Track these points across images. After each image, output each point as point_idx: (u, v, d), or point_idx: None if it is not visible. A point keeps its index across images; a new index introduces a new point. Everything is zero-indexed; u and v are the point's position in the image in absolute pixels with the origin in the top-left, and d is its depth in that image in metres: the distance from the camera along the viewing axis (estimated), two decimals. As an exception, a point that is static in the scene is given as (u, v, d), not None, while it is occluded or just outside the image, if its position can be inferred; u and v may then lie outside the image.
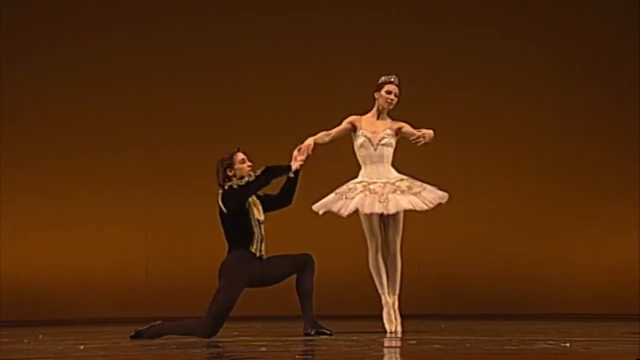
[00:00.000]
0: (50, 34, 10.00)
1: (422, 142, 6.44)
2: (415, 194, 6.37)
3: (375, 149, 6.47)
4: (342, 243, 9.74)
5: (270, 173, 5.96)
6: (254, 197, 6.02)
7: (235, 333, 6.32)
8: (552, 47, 10.06)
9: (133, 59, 9.99)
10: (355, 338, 5.66)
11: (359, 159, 6.55)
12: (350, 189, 6.43)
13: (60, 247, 9.87)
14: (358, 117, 6.59)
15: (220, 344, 5.45)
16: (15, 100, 9.95)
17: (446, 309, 9.49)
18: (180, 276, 9.64)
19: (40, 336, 6.51)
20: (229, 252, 5.95)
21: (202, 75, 10.04)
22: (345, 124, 6.55)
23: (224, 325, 5.85)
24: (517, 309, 9.47)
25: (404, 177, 6.49)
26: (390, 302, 6.48)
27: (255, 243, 5.93)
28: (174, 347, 5.26)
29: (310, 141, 6.29)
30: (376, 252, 6.46)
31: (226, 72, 10.03)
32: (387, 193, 6.31)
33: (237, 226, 5.92)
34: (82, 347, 5.35)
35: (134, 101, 10.01)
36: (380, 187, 6.35)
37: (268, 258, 6.00)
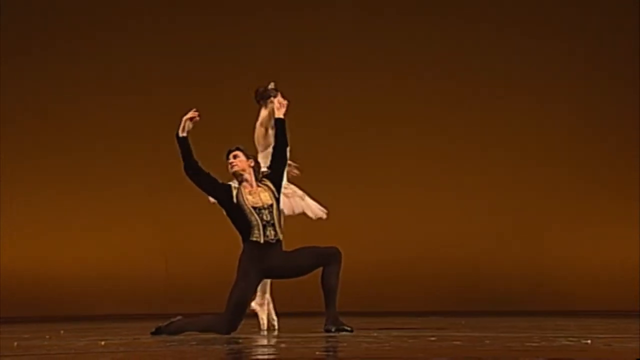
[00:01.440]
0: (56, 34, 10.04)
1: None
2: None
3: None
4: (365, 239, 9.77)
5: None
6: (258, 185, 6.02)
7: (255, 329, 6.32)
8: (553, 39, 10.02)
9: (145, 57, 10.02)
10: (375, 335, 5.66)
11: None
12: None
13: (81, 244, 9.93)
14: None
15: (240, 340, 5.46)
16: (23, 99, 10.03)
17: (466, 306, 9.47)
18: (199, 272, 9.67)
19: (62, 332, 6.55)
20: (242, 243, 6.02)
21: (209, 73, 10.06)
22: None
23: (243, 321, 5.86)
24: (536, 306, 9.45)
25: None
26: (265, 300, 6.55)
27: (255, 231, 5.90)
28: (194, 343, 5.27)
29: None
30: None
31: (234, 68, 10.03)
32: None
33: (234, 220, 5.97)
34: (103, 343, 5.37)
35: (147, 99, 10.05)
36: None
37: (294, 249, 5.98)
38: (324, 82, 10.06)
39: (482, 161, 10.02)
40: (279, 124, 6.18)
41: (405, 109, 10.08)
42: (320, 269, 5.97)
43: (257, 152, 6.57)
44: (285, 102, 6.27)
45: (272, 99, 6.52)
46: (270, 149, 6.39)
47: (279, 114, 6.22)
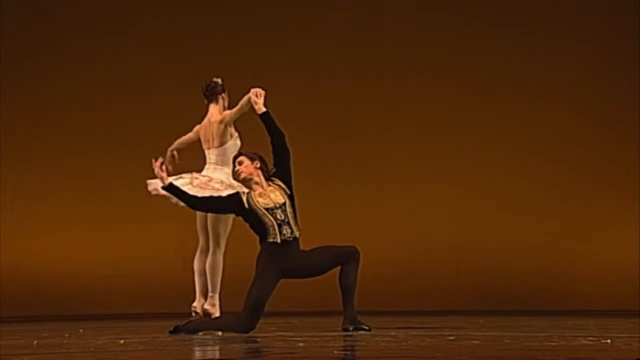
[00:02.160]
0: (60, 35, 10.08)
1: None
2: None
3: None
4: (383, 238, 9.75)
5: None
6: (269, 183, 6.01)
7: (274, 328, 6.33)
8: (558, 37, 9.98)
9: (149, 57, 10.03)
10: (393, 334, 5.65)
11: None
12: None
13: (99, 242, 9.96)
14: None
15: (259, 339, 5.46)
16: (42, 97, 10.06)
17: (484, 305, 9.44)
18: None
19: (81, 330, 6.57)
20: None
21: (213, 74, 10.05)
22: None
23: (261, 320, 5.87)
24: (555, 306, 9.40)
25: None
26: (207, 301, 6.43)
27: (271, 232, 5.89)
28: (212, 342, 5.29)
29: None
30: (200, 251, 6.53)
31: (232, 69, 10.01)
32: None
33: (250, 223, 5.96)
34: (122, 341, 5.39)
35: (152, 97, 10.07)
36: None
37: (313, 249, 5.97)
38: (329, 82, 10.04)
39: (500, 160, 9.98)
40: (265, 118, 6.02)
41: (417, 108, 10.06)
42: (338, 268, 5.96)
43: (212, 148, 6.41)
44: (263, 92, 6.10)
45: (255, 96, 6.09)
46: (227, 145, 6.40)
47: (260, 108, 6.04)
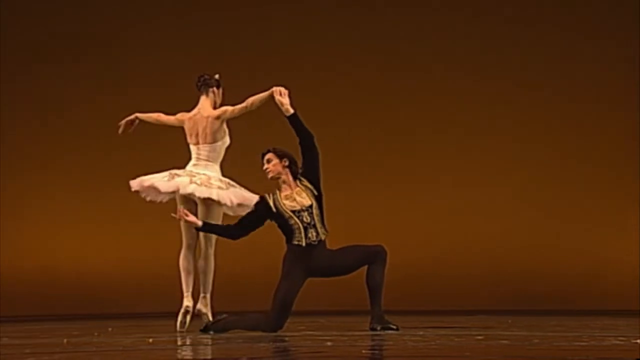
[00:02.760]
0: (72, 33, 10.14)
1: None
2: None
3: None
4: (410, 237, 9.73)
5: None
6: (297, 184, 5.98)
7: (301, 327, 6.33)
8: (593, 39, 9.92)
9: (160, 54, 10.07)
10: (421, 333, 5.63)
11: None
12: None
13: (128, 241, 10.01)
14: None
15: (286, 339, 5.47)
16: (55, 96, 10.13)
17: (512, 305, 9.40)
18: (243, 269, 9.70)
19: (110, 329, 6.61)
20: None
21: (225, 70, 10.08)
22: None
23: (289, 319, 5.87)
24: (584, 305, 9.35)
25: None
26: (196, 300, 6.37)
27: (296, 235, 5.88)
28: (241, 341, 5.30)
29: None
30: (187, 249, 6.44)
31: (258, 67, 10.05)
32: None
33: (278, 225, 5.96)
34: (150, 340, 5.42)
35: (166, 94, 10.10)
36: None
37: (339, 248, 5.96)
38: (356, 79, 10.03)
39: (527, 161, 9.94)
40: (294, 120, 5.92)
41: (445, 108, 10.04)
42: (365, 267, 5.95)
43: (200, 144, 6.28)
44: (286, 92, 5.98)
45: (279, 95, 5.96)
46: (220, 142, 6.29)
47: (288, 109, 5.94)
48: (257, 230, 5.99)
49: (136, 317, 8.89)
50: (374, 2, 10.17)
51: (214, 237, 6.30)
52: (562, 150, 9.97)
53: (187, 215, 5.98)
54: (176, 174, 6.30)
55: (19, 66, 10.12)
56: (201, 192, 6.17)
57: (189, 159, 6.43)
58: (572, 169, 9.88)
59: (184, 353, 4.76)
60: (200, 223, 6.00)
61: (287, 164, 5.96)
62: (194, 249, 6.39)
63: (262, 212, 5.93)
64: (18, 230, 10.08)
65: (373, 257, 5.89)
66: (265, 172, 5.98)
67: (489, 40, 9.98)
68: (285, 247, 5.98)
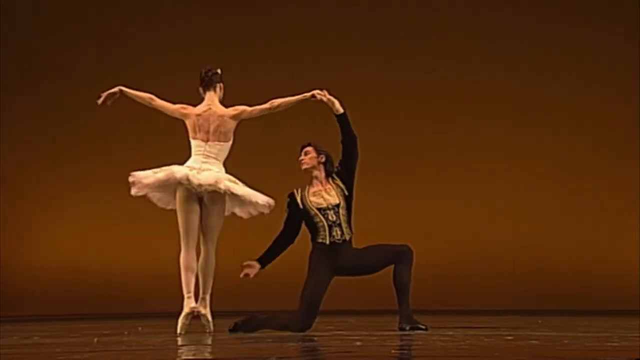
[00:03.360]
0: (99, 38, 10.20)
1: None
2: None
3: None
4: (440, 237, 9.71)
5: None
6: (328, 181, 5.97)
7: (330, 327, 6.33)
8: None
9: (184, 57, 10.10)
10: (450, 334, 5.61)
11: None
12: None
13: (156, 240, 10.05)
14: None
15: (315, 338, 5.47)
16: (74, 99, 10.19)
17: (542, 305, 9.35)
18: (273, 269, 9.70)
19: (140, 328, 6.64)
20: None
21: (243, 71, 10.11)
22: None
23: (317, 318, 5.87)
24: (615, 305, 9.27)
25: None
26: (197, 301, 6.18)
27: (321, 233, 5.89)
28: (270, 340, 5.30)
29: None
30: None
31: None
32: None
33: (305, 222, 5.97)
34: (180, 339, 5.44)
35: (182, 95, 10.14)
36: None
37: (365, 247, 5.96)
38: (390, 80, 10.02)
39: (556, 160, 9.88)
40: (343, 119, 5.96)
41: (473, 108, 10.01)
42: (392, 267, 5.93)
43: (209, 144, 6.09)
44: (325, 92, 6.00)
45: (316, 96, 5.96)
46: (230, 142, 6.14)
47: (338, 109, 5.97)
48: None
49: (165, 316, 8.93)
50: (377, 3, 10.16)
51: (216, 235, 6.18)
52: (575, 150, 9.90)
53: (250, 268, 6.01)
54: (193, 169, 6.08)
55: (45, 67, 10.20)
56: (242, 192, 6.07)
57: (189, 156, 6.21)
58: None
59: (212, 352, 4.77)
60: (259, 266, 5.98)
61: (323, 160, 6.00)
62: (194, 248, 6.23)
63: (294, 212, 5.94)
64: (48, 230, 10.16)
65: (399, 256, 5.88)
66: (299, 163, 6.00)
67: (536, 41, 9.91)
68: (310, 246, 5.99)
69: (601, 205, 9.79)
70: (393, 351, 4.64)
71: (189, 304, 6.11)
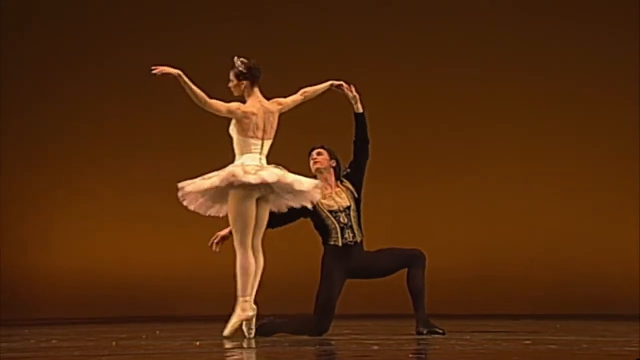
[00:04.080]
0: (114, 38, 10.22)
1: None
2: None
3: None
4: (457, 240, 9.68)
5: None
6: (337, 184, 5.96)
7: (347, 331, 6.33)
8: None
9: (203, 59, 10.12)
10: (468, 337, 5.60)
11: None
12: None
13: (175, 244, 10.07)
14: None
15: (332, 342, 5.47)
16: (91, 101, 10.23)
17: (560, 309, 9.31)
18: (290, 272, 9.71)
19: (157, 332, 6.66)
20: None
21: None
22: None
23: (333, 322, 5.86)
24: (633, 310, 9.22)
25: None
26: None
27: (333, 235, 5.88)
28: (287, 344, 5.31)
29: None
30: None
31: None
32: None
33: (314, 223, 5.96)
34: (198, 343, 5.45)
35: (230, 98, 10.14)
36: None
37: (377, 250, 5.95)
38: (406, 80, 10.00)
39: (575, 160, 9.83)
40: (362, 119, 5.96)
41: (490, 108, 9.98)
42: (404, 271, 5.92)
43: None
44: (352, 87, 5.95)
45: (345, 90, 5.88)
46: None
47: (359, 107, 5.95)
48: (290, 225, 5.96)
49: (183, 320, 8.95)
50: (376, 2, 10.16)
51: (241, 228, 5.85)
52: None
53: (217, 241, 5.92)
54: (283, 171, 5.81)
55: (62, 66, 10.25)
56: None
57: (233, 157, 5.94)
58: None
59: (232, 356, 4.78)
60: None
61: (334, 164, 6.03)
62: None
63: (295, 210, 5.90)
64: (64, 232, 10.20)
65: (411, 260, 5.87)
66: (313, 162, 5.97)
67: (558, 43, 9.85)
68: (322, 249, 5.98)
69: (619, 210, 9.74)
70: (410, 355, 4.63)
71: (250, 308, 5.80)
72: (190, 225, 10.12)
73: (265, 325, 5.98)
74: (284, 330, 5.98)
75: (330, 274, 5.87)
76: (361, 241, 5.96)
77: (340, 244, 5.90)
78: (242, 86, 5.87)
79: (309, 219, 6.03)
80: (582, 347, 4.84)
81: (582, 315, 8.86)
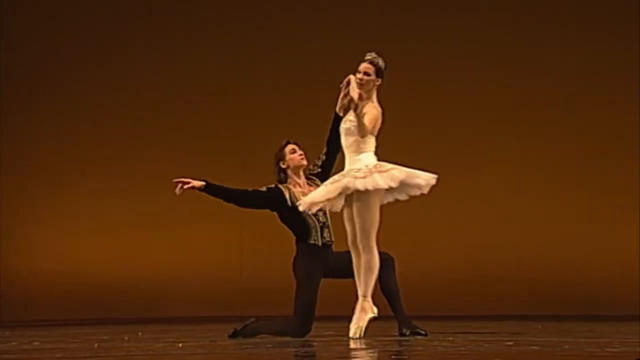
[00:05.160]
0: (101, 42, 10.19)
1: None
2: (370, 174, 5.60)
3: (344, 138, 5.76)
4: (438, 243, 9.69)
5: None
6: (309, 183, 5.94)
7: (330, 332, 6.33)
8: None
9: (210, 60, 10.10)
10: (450, 339, 5.61)
11: None
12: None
13: (156, 246, 10.05)
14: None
15: (315, 343, 5.47)
16: (98, 103, 10.20)
17: (542, 310, 9.34)
18: (273, 273, 9.71)
19: (140, 334, 6.64)
20: (295, 244, 5.93)
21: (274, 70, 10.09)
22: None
23: (314, 323, 5.85)
24: (615, 310, 9.26)
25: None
26: (358, 303, 5.70)
27: (313, 234, 5.84)
28: (270, 345, 5.30)
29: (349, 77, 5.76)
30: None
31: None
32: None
33: (290, 221, 5.88)
34: (180, 345, 5.43)
35: (224, 100, 10.12)
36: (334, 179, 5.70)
37: (345, 252, 5.85)
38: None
39: (561, 164, 9.83)
40: (339, 122, 5.78)
41: (475, 109, 9.98)
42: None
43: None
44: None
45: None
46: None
47: (340, 109, 5.75)
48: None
49: (167, 321, 8.93)
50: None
51: (372, 228, 5.66)
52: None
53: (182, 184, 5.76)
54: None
55: (70, 69, 10.21)
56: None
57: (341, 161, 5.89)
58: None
59: (212, 358, 4.77)
60: (202, 184, 5.80)
61: (308, 165, 6.00)
62: (356, 246, 5.70)
63: (271, 198, 5.81)
64: (48, 235, 10.16)
65: (382, 263, 5.81)
66: (300, 157, 5.90)
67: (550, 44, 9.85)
68: (295, 248, 5.90)
69: (604, 211, 9.75)
70: (393, 357, 4.64)
71: (372, 308, 5.69)
72: (172, 228, 10.14)
73: (249, 327, 5.98)
74: (267, 332, 5.97)
75: (311, 275, 5.83)
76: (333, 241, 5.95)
77: (320, 243, 5.87)
78: (377, 83, 5.75)
79: (283, 216, 5.89)
80: (564, 348, 4.86)
81: (564, 316, 8.89)
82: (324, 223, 5.88)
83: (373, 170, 5.62)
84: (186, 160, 9.99)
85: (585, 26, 9.85)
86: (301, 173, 5.97)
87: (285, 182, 5.96)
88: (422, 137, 9.96)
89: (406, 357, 4.63)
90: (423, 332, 5.83)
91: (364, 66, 5.73)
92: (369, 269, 5.67)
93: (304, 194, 5.82)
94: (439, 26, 9.99)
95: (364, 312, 5.67)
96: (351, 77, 5.69)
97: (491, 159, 9.90)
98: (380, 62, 5.75)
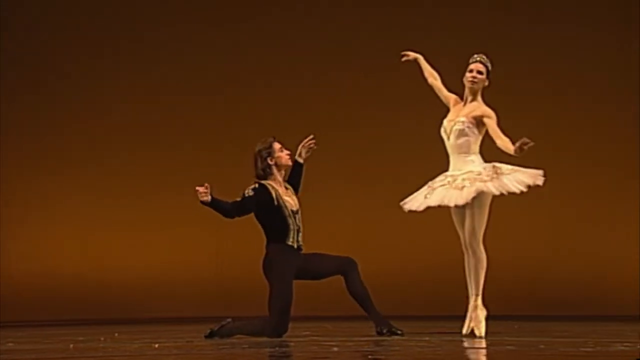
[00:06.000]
0: (90, 44, 10.15)
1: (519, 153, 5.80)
2: (491, 179, 5.74)
3: (448, 138, 5.90)
4: (414, 242, 9.70)
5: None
6: (285, 186, 5.98)
7: (307, 333, 6.33)
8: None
9: (214, 59, 10.06)
10: (427, 339, 5.63)
11: None
12: (434, 181, 5.93)
13: (132, 247, 10.01)
14: (456, 98, 6.05)
15: (292, 344, 5.47)
16: (91, 102, 10.14)
17: (519, 310, 9.37)
18: (251, 274, 9.69)
19: (116, 334, 6.61)
20: (267, 245, 5.93)
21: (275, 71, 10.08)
22: (446, 96, 6.06)
23: (291, 324, 5.85)
24: (590, 311, 9.31)
25: (486, 167, 5.79)
26: (470, 303, 5.90)
27: (292, 235, 5.89)
28: (246, 346, 5.30)
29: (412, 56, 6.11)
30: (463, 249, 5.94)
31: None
32: (448, 188, 5.77)
33: (271, 220, 5.89)
34: (156, 345, 5.42)
35: (211, 101, 10.09)
36: (449, 181, 5.78)
37: (311, 253, 5.95)
38: (335, 82, 10.00)
39: (574, 160, 9.84)
40: (302, 169, 6.06)
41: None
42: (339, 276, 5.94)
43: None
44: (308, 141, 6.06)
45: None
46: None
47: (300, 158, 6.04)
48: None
49: (142, 322, 8.89)
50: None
51: (482, 229, 5.87)
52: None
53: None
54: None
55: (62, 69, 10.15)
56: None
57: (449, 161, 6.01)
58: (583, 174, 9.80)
59: (189, 359, 4.76)
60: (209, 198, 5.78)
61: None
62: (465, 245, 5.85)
63: (259, 199, 5.84)
64: (21, 236, 10.09)
65: (347, 266, 5.92)
66: (287, 155, 5.97)
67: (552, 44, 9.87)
68: (266, 249, 5.92)
69: (619, 210, 9.78)
70: (370, 357, 4.64)
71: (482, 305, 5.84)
72: (148, 230, 10.10)
73: (225, 327, 5.97)
74: (243, 332, 5.96)
75: (286, 275, 5.85)
76: None
77: (295, 246, 5.92)
78: (486, 83, 5.96)
79: (263, 214, 5.90)
80: (540, 348, 4.88)
81: (541, 316, 8.92)
82: (299, 227, 5.92)
83: (497, 172, 5.78)
84: (166, 159, 9.98)
85: (585, 25, 9.87)
86: (282, 172, 6.00)
87: (266, 178, 5.94)
88: (408, 136, 9.95)
89: (383, 357, 4.64)
90: (400, 332, 5.86)
91: (476, 66, 5.93)
92: (482, 268, 5.83)
93: (289, 195, 5.93)
94: (437, 25, 9.99)
95: (482, 311, 5.84)
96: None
97: (489, 159, 9.90)
98: (489, 64, 5.96)
